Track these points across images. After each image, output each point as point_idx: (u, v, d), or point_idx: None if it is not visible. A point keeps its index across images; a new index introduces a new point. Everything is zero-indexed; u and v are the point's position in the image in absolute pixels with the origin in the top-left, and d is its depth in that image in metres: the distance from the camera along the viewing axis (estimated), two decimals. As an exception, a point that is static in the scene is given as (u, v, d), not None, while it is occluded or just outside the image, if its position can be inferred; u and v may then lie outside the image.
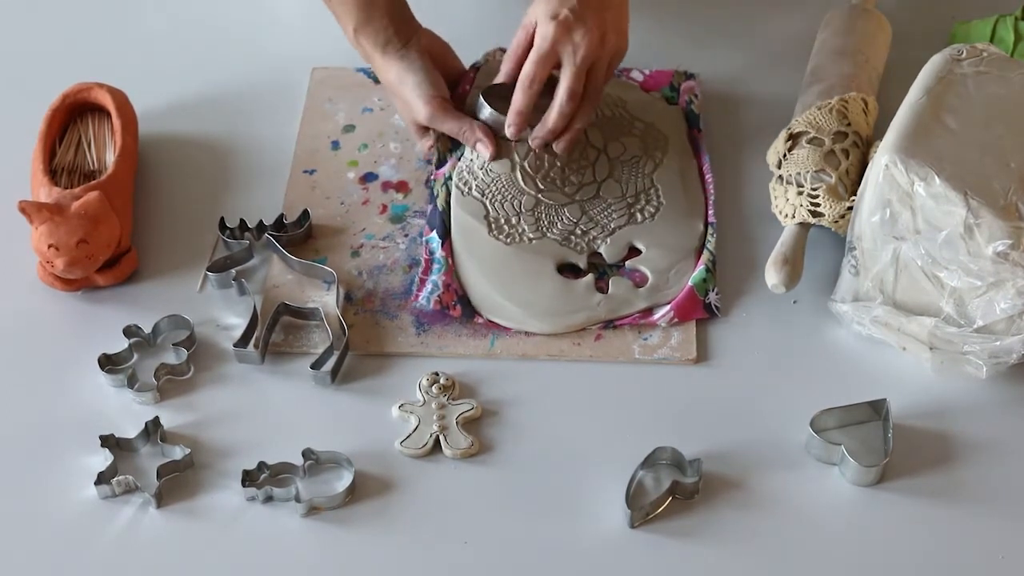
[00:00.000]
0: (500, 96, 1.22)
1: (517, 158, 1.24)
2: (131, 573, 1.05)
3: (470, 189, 1.23)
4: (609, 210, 1.23)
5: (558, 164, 1.24)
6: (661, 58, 1.36)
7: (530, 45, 1.20)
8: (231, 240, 1.22)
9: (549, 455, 1.10)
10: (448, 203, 1.23)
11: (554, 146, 1.23)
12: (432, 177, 1.25)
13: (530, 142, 1.23)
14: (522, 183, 1.23)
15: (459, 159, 1.25)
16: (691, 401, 1.13)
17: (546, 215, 1.23)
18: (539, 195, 1.23)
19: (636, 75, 1.35)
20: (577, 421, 1.12)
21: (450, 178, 1.24)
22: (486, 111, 1.23)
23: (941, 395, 1.13)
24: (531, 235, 1.21)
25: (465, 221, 1.22)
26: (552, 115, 1.20)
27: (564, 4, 1.18)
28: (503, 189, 1.23)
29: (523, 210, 1.22)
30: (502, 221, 1.22)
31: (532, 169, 1.24)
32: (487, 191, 1.23)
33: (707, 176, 1.26)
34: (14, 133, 1.29)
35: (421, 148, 1.28)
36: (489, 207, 1.22)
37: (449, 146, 1.26)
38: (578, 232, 1.22)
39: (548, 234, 1.22)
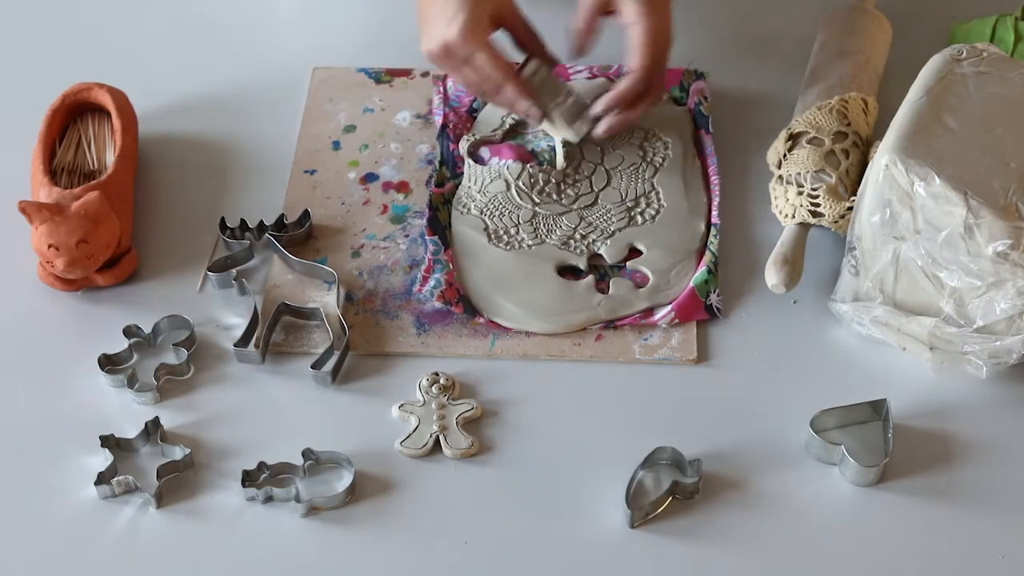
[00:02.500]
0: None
1: (511, 178, 1.24)
2: (131, 573, 1.05)
3: (468, 211, 1.24)
4: (608, 215, 1.24)
5: (553, 180, 1.25)
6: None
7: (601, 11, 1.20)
8: (231, 240, 1.22)
9: (549, 455, 1.10)
10: (449, 222, 1.24)
11: (598, 127, 1.23)
12: (430, 191, 1.25)
13: (596, 108, 1.23)
14: (518, 199, 1.24)
15: (457, 186, 1.26)
16: (691, 401, 1.13)
17: (544, 224, 1.23)
18: (536, 208, 1.24)
19: None
20: (577, 421, 1.12)
21: (449, 201, 1.25)
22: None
23: (941, 395, 1.13)
24: (530, 242, 1.22)
25: (465, 233, 1.23)
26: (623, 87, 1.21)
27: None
28: (500, 206, 1.23)
29: (521, 221, 1.23)
30: (501, 232, 1.22)
31: (527, 187, 1.24)
32: (485, 210, 1.23)
33: (712, 178, 1.26)
34: (14, 133, 1.29)
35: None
36: (488, 222, 1.23)
37: (447, 175, 1.27)
38: (577, 236, 1.22)
39: (547, 240, 1.22)
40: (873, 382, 1.13)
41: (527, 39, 1.22)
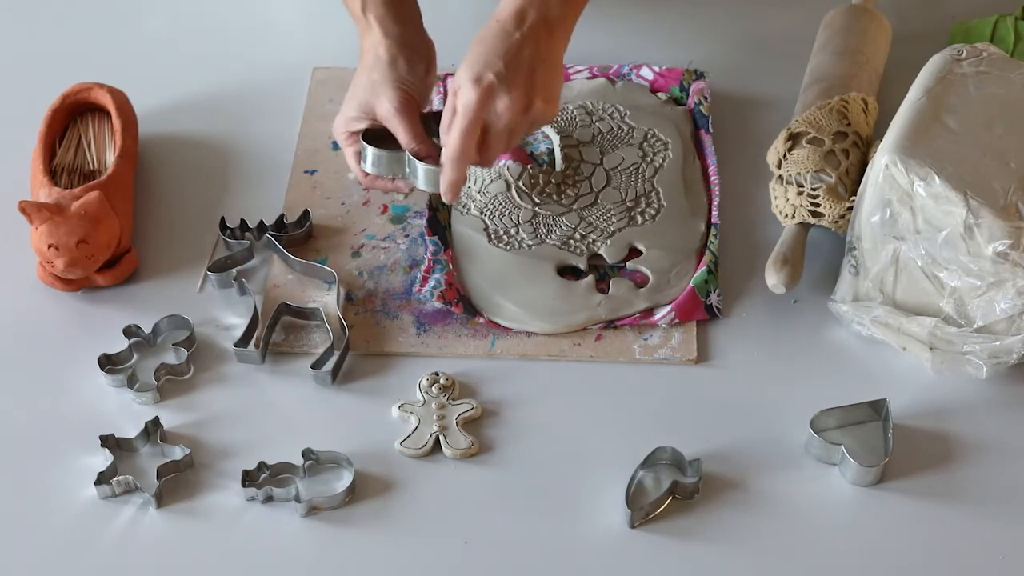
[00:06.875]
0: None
1: (511, 179, 1.24)
2: (131, 573, 1.05)
3: (468, 210, 1.24)
4: (608, 215, 1.23)
5: (553, 181, 1.25)
6: (667, 53, 1.36)
7: None
8: (232, 240, 1.22)
9: (549, 455, 1.10)
10: (449, 222, 1.24)
11: (442, 196, 1.13)
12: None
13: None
14: (518, 199, 1.24)
15: None
16: (691, 401, 1.13)
17: (544, 224, 1.23)
18: (536, 208, 1.24)
19: (646, 72, 1.34)
20: (577, 421, 1.12)
21: None
22: (416, 164, 1.13)
23: (941, 395, 1.13)
24: (530, 243, 1.22)
25: (465, 233, 1.23)
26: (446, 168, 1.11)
27: (488, 67, 1.09)
28: (500, 206, 1.24)
29: (521, 222, 1.23)
30: (501, 232, 1.22)
31: (527, 187, 1.24)
32: (485, 210, 1.24)
33: (712, 178, 1.26)
34: (14, 133, 1.29)
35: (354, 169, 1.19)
36: (488, 222, 1.23)
37: None
38: (577, 236, 1.22)
39: (547, 240, 1.22)
40: (873, 382, 1.13)
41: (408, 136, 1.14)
